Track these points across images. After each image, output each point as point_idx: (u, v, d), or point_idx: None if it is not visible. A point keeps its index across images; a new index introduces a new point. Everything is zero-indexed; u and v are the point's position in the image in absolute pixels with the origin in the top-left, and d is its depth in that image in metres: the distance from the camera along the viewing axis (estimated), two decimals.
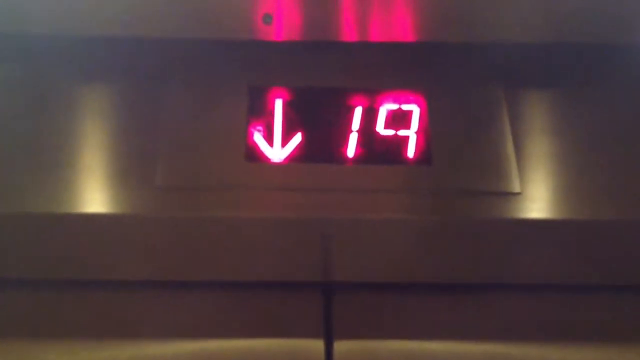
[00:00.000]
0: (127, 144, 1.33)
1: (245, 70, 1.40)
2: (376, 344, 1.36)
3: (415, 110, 1.38)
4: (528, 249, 1.34)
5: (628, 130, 1.39)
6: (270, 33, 1.39)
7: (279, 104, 1.38)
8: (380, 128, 1.37)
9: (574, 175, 1.34)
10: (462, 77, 1.41)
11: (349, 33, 1.41)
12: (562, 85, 1.42)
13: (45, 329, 1.33)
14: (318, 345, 1.34)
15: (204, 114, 1.36)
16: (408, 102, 1.39)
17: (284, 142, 1.36)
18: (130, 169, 1.31)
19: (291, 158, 1.35)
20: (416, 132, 1.37)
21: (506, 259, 1.35)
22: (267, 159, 1.35)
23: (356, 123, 1.37)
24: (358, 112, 1.37)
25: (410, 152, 1.36)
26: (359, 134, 1.36)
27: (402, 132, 1.37)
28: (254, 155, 1.35)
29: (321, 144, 1.36)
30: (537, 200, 1.32)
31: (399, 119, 1.37)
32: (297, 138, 1.36)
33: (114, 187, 1.30)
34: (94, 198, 1.30)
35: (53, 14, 1.35)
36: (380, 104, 1.38)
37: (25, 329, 1.33)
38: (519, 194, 1.32)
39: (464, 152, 1.35)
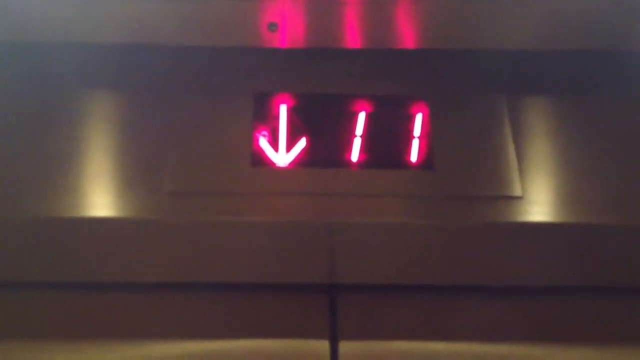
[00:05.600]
0: (135, 150, 1.35)
1: (251, 76, 1.41)
2: (381, 345, 1.38)
3: (418, 115, 1.39)
4: (529, 252, 1.35)
5: (629, 136, 1.39)
6: (276, 40, 1.41)
7: (283, 110, 1.39)
8: (384, 133, 1.38)
9: (575, 180, 1.35)
10: (465, 83, 1.42)
11: (352, 40, 1.42)
12: (564, 91, 1.43)
13: (53, 331, 1.36)
14: (324, 346, 1.36)
15: (211, 120, 1.37)
16: (411, 107, 1.40)
17: (289, 147, 1.37)
18: (138, 174, 1.33)
19: (296, 163, 1.36)
20: (419, 138, 1.38)
21: (508, 262, 1.36)
22: (272, 164, 1.36)
23: (360, 128, 1.38)
24: (362, 117, 1.38)
25: (413, 157, 1.37)
26: (362, 139, 1.37)
27: (405, 138, 1.37)
28: (260, 160, 1.36)
29: (325, 148, 1.37)
30: (539, 204, 1.33)
31: (402, 125, 1.39)
32: (302, 143, 1.37)
33: (123, 192, 1.31)
34: (103, 203, 1.32)
35: (61, 21, 1.36)
36: (384, 110, 1.39)
37: (34, 331, 1.36)
38: (520, 197, 1.33)
39: (466, 157, 1.36)
